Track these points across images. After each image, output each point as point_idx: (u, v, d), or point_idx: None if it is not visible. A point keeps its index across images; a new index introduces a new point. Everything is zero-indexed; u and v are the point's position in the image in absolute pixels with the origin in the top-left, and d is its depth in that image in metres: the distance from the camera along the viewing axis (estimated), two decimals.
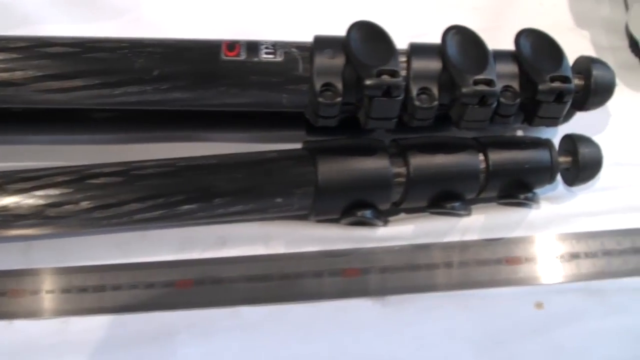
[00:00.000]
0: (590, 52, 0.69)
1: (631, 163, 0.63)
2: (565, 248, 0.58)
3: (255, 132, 0.61)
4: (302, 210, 0.56)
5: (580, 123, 0.62)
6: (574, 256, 0.58)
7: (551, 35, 0.59)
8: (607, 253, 0.59)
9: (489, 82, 0.52)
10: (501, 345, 0.54)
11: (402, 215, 0.60)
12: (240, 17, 0.68)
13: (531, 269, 0.58)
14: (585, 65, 0.56)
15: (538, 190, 0.59)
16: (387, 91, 0.51)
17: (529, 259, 0.58)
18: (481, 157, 0.56)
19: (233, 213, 0.55)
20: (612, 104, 0.63)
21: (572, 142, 0.58)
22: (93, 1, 0.67)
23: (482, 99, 0.52)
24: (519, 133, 0.62)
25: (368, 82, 0.50)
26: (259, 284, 0.57)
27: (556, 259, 0.58)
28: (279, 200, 0.54)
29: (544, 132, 0.61)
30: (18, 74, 0.49)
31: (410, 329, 0.55)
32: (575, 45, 0.64)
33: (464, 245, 0.59)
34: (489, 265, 0.58)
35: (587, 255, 0.59)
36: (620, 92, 0.64)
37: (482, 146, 0.57)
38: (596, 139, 0.62)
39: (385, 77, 0.51)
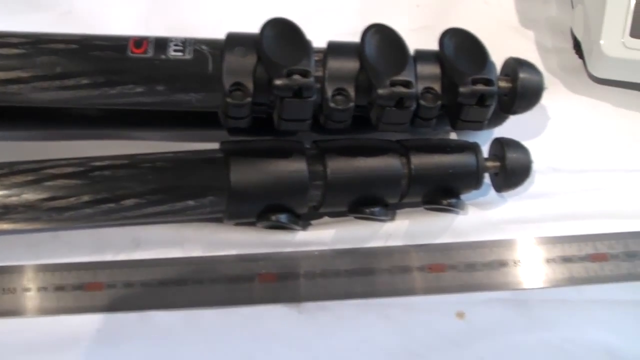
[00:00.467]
0: (534, 53, 0.68)
1: (568, 169, 0.62)
2: (493, 256, 0.57)
3: (177, 130, 0.60)
4: (216, 213, 0.55)
5: (518, 126, 0.61)
6: (502, 264, 0.57)
7: (494, 35, 0.58)
8: (535, 261, 0.58)
9: (407, 84, 0.51)
10: (420, 357, 0.53)
11: (326, 219, 0.59)
12: (174, 11, 0.68)
13: (454, 277, 0.57)
14: (512, 67, 0.55)
15: (469, 196, 0.59)
16: (298, 92, 0.50)
17: (452, 267, 0.57)
18: (403, 160, 0.55)
19: (145, 215, 0.54)
20: (553, 106, 0.64)
21: (500, 146, 0.57)
22: None
23: (400, 101, 0.51)
24: (453, 136, 0.61)
25: (278, 82, 0.49)
26: (172, 288, 0.56)
27: (482, 267, 0.57)
28: (191, 202, 0.53)
29: (478, 136, 0.60)
30: None
31: (325, 338, 0.54)
32: (518, 46, 0.66)
33: (386, 252, 0.58)
34: (411, 273, 0.57)
35: (516, 263, 0.57)
36: (563, 95, 0.65)
37: (404, 149, 0.56)
38: (535, 142, 0.62)
39: (297, 77, 0.50)
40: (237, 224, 0.57)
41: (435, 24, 0.56)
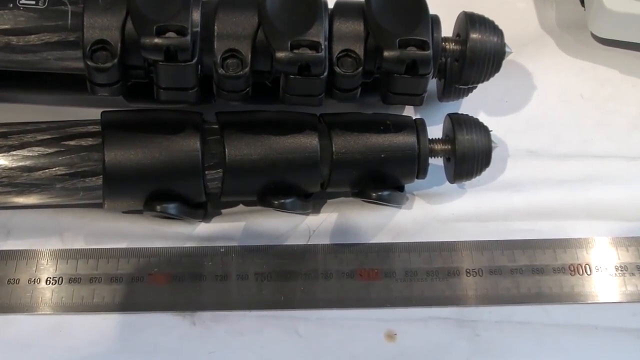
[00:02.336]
0: (527, 3, 0.62)
1: (552, 153, 0.55)
2: (440, 262, 0.51)
3: (63, 94, 0.55)
4: (92, 198, 0.50)
5: (491, 98, 0.56)
6: (450, 273, 0.51)
7: None
8: (495, 271, 0.52)
9: (314, 45, 0.44)
10: None
11: (240, 207, 0.54)
12: None
13: (389, 287, 0.51)
14: (463, 25, 0.48)
15: (417, 185, 0.54)
16: (173, 54, 0.44)
17: (388, 274, 0.51)
18: (324, 140, 0.49)
19: (11, 194, 0.50)
20: (539, 72, 0.58)
21: (451, 124, 0.50)
22: None
23: (305, 67, 0.45)
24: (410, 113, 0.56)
25: (146, 41, 0.43)
26: (44, 287, 0.51)
27: (426, 276, 0.51)
28: (59, 185, 0.48)
29: (439, 110, 0.55)
30: None
31: (218, 357, 0.49)
32: None
33: (307, 252, 0.52)
34: (336, 279, 0.52)
35: (469, 272, 0.51)
36: (554, 57, 0.59)
37: (326, 126, 0.49)
38: (512, 118, 0.57)
39: (171, 36, 0.44)
40: (125, 212, 0.53)
41: None
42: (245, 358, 0.49)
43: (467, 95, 0.53)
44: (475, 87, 0.52)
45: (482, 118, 0.51)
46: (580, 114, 0.57)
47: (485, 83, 0.51)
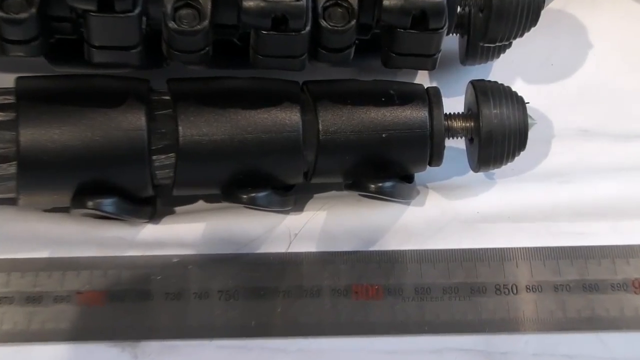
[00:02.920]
0: None
1: (609, 133, 0.58)
2: (462, 276, 0.55)
3: None
4: (1, 192, 0.53)
5: (533, 59, 0.60)
6: (477, 290, 0.55)
7: None
8: (534, 288, 0.55)
9: None
10: None
11: (200, 203, 0.57)
12: None
13: (393, 308, 0.54)
14: None
15: (430, 175, 0.57)
16: (107, 2, 0.47)
17: (394, 290, 0.55)
18: (308, 115, 0.52)
19: None
20: (600, 25, 0.61)
21: (475, 94, 0.53)
22: None
23: (281, 20, 0.48)
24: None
25: None
26: None
27: (442, 294, 0.55)
28: None
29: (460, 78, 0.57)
30: None
31: None
32: None
33: (286, 262, 0.55)
34: (326, 298, 0.55)
35: (499, 290, 0.55)
36: (616, 4, 0.62)
37: (312, 97, 0.52)
38: (556, 88, 0.60)
39: None
40: (48, 211, 0.56)
41: None
42: None
43: (497, 57, 0.56)
44: (508, 45, 0.55)
45: (519, 87, 0.54)
46: None
47: (521, 40, 0.54)
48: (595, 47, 0.59)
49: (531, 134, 0.53)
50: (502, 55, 0.56)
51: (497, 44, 0.53)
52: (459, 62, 0.56)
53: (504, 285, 0.54)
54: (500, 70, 0.57)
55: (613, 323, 0.52)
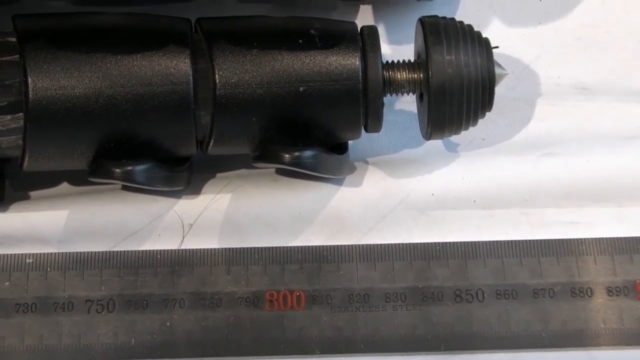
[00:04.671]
0: None
1: (610, 90, 0.57)
2: (408, 279, 0.53)
3: None
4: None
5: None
6: (430, 297, 0.53)
7: None
8: (507, 293, 0.53)
9: None
10: None
11: (64, 186, 0.56)
12: None
13: (318, 322, 0.53)
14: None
15: (364, 145, 0.56)
16: None
17: (319, 298, 0.53)
18: (200, 63, 0.51)
19: None
20: None
21: (423, 33, 0.52)
22: None
23: None
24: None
25: None
26: None
27: (385, 304, 0.53)
28: None
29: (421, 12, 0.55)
30: None
31: None
32: None
33: (177, 262, 0.54)
34: (229, 309, 0.53)
35: (460, 296, 0.53)
36: None
37: (205, 39, 0.51)
38: (541, 31, 0.58)
39: None
40: None
41: None
42: None
43: None
44: None
45: (491, 32, 0.54)
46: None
47: None
48: None
49: (504, 93, 0.53)
50: None
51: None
52: None
53: (466, 290, 0.53)
54: (470, 8, 0.56)
55: (608, 338, 0.52)
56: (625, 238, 0.53)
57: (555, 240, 0.53)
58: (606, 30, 0.58)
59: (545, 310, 0.52)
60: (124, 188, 0.54)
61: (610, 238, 0.53)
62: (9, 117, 0.51)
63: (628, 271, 0.53)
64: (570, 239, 0.53)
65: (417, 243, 0.54)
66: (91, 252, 0.54)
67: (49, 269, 0.54)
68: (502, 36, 0.53)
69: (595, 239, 0.53)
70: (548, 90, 0.56)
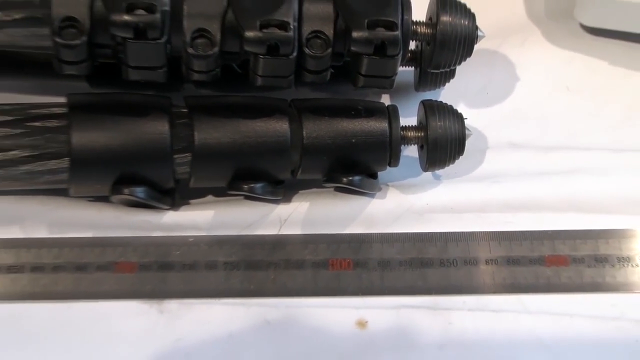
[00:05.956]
0: None
1: (533, 145, 0.64)
2: (414, 252, 0.61)
3: (26, 79, 0.64)
4: (58, 184, 0.58)
5: (472, 88, 0.65)
6: (425, 264, 0.60)
7: None
8: (469, 262, 0.60)
9: (283, 25, 0.53)
10: None
11: (210, 197, 0.62)
12: None
13: (360, 277, 0.59)
14: (434, 7, 0.58)
15: (392, 175, 0.63)
16: (142, 31, 0.53)
17: (361, 264, 0.60)
18: (294, 125, 0.58)
19: None
20: (523, 62, 0.67)
21: (424, 111, 0.59)
22: None
23: (273, 48, 0.54)
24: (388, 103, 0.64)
25: (116, 17, 0.51)
26: (5, 276, 0.59)
27: (399, 266, 0.60)
28: (23, 168, 0.57)
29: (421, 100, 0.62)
30: None
31: (186, 346, 0.57)
32: None
33: (277, 241, 0.61)
34: (307, 269, 0.60)
35: (443, 263, 0.60)
36: (540, 47, 0.68)
37: (297, 111, 0.58)
38: (494, 110, 0.66)
39: (141, 13, 0.52)
40: (89, 200, 0.61)
41: None
42: (212, 346, 0.56)
43: (443, 84, 0.62)
44: (452, 75, 0.61)
45: (462, 110, 0.59)
46: (567, 107, 0.65)
47: (465, 75, 0.61)
48: (523, 80, 0.65)
49: (470, 145, 0.59)
50: (447, 85, 0.62)
51: (441, 69, 0.59)
52: (414, 89, 0.62)
53: (446, 260, 0.59)
54: (446, 96, 0.63)
55: (529, 288, 0.58)
56: (538, 231, 0.61)
57: (497, 231, 0.62)
58: (526, 110, 0.66)
59: (493, 271, 0.60)
60: (246, 197, 0.60)
61: (529, 230, 0.62)
62: (182, 155, 0.57)
63: (541, 250, 0.61)
64: (506, 231, 0.61)
65: (417, 232, 0.61)
66: (226, 235, 0.61)
67: (202, 245, 0.61)
68: (467, 112, 0.59)
69: (521, 231, 0.62)
70: (492, 145, 0.63)
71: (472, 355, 0.56)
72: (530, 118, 0.64)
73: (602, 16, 0.63)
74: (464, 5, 0.57)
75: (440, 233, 0.61)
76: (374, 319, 0.58)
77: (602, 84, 0.65)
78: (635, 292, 0.58)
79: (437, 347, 0.57)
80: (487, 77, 0.64)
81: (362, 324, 0.58)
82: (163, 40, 0.53)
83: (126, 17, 0.51)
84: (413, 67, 0.61)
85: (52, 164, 0.57)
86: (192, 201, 0.62)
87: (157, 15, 0.52)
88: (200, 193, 0.61)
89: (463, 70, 0.61)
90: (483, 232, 0.61)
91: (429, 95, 0.62)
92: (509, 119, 0.64)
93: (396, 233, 0.61)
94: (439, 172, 0.61)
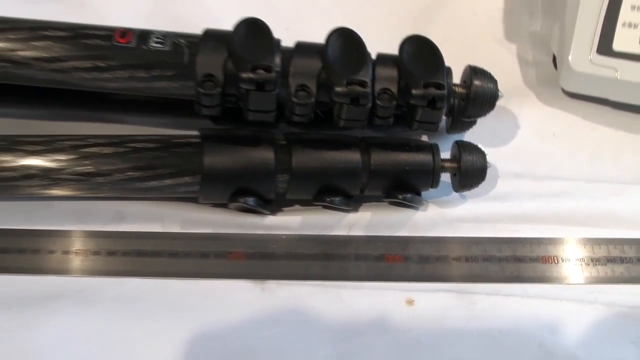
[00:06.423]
0: (514, 64, 0.70)
1: (530, 175, 0.64)
2: (446, 251, 0.60)
3: (161, 117, 0.64)
4: (191, 193, 0.58)
5: (487, 133, 0.65)
6: (455, 259, 0.60)
7: (478, 45, 0.65)
8: (487, 259, 0.60)
9: (363, 83, 0.54)
10: (361, 335, 0.56)
11: (296, 206, 0.62)
12: (177, 7, 0.72)
13: (408, 267, 0.59)
14: (468, 74, 0.58)
15: (430, 194, 0.62)
16: (261, 85, 0.53)
17: (407, 258, 0.60)
18: (364, 155, 0.58)
19: (128, 189, 0.58)
20: (524, 116, 0.66)
21: (457, 148, 0.59)
22: None
23: (355, 99, 0.54)
24: (424, 138, 0.64)
25: (243, 75, 0.52)
26: (149, 259, 0.59)
27: (435, 260, 0.60)
28: (167, 182, 0.57)
29: (449, 140, 0.64)
30: None
31: (281, 314, 0.57)
32: (500, 57, 0.68)
33: (347, 240, 0.60)
34: (369, 261, 0.60)
35: (467, 259, 0.60)
36: (534, 106, 0.67)
37: (366, 145, 0.58)
38: (501, 149, 0.65)
39: (260, 72, 0.53)
40: (213, 205, 0.61)
41: (424, 31, 0.58)
42: (302, 316, 0.57)
43: (468, 130, 0.62)
44: (475, 123, 0.61)
45: (482, 146, 0.60)
46: (553, 148, 0.65)
47: (482, 123, 0.61)
48: (521, 128, 0.65)
49: (488, 172, 0.59)
50: (470, 130, 0.62)
51: (470, 119, 0.60)
52: (446, 132, 0.62)
53: (470, 256, 0.60)
54: (469, 138, 0.62)
55: (530, 279, 0.59)
56: (537, 238, 0.62)
57: (506, 237, 0.62)
58: (526, 149, 0.65)
59: (504, 267, 0.60)
60: (325, 207, 0.59)
61: (530, 237, 0.62)
62: (282, 175, 0.58)
63: (535, 251, 0.61)
64: (512, 237, 0.62)
65: (448, 236, 0.61)
66: (310, 234, 0.61)
67: (292, 240, 0.61)
68: (485, 149, 0.59)
69: (524, 237, 0.62)
70: (502, 174, 0.63)
71: (488, 323, 0.57)
72: (527, 155, 0.64)
73: (578, 85, 0.64)
74: (490, 73, 0.58)
75: (465, 237, 0.61)
76: (418, 298, 0.58)
77: (578, 132, 0.66)
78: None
79: (465, 319, 0.57)
80: (497, 125, 0.64)
81: (410, 302, 0.58)
82: (276, 92, 0.53)
83: (251, 75, 0.53)
84: (446, 117, 0.61)
85: (188, 179, 0.57)
86: (284, 209, 0.61)
87: (273, 74, 0.52)
88: (290, 203, 0.61)
89: (481, 120, 0.61)
90: (496, 237, 0.61)
91: (456, 136, 0.63)
92: (513, 156, 0.63)
93: (433, 236, 0.61)
94: (465, 193, 0.61)
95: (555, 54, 0.67)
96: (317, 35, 0.57)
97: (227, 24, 0.56)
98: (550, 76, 0.68)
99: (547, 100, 0.68)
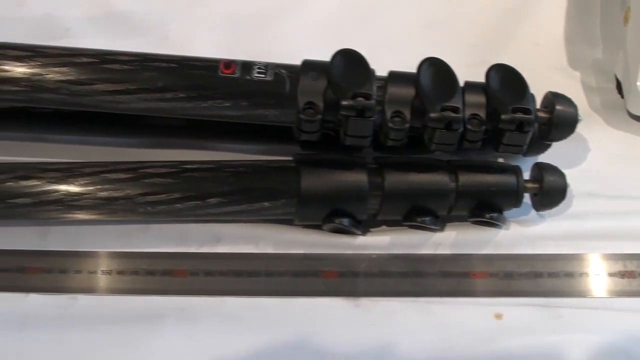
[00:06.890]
0: (579, 91, 0.73)
1: (603, 194, 0.66)
2: (529, 267, 0.62)
3: (257, 143, 0.67)
4: (287, 215, 0.60)
5: (560, 155, 0.66)
6: (537, 275, 0.62)
7: (543, 73, 0.67)
8: (568, 275, 0.63)
9: (455, 109, 0.56)
10: (453, 350, 0.58)
11: (383, 227, 0.64)
12: (255, 39, 0.75)
13: (494, 283, 0.61)
14: (550, 100, 0.61)
15: (511, 213, 0.63)
16: (361, 112, 0.56)
17: (493, 274, 0.62)
18: (452, 177, 0.58)
19: (226, 213, 0.60)
20: (593, 139, 0.69)
21: (539, 170, 0.61)
22: (126, 20, 0.75)
23: (449, 124, 0.56)
24: (500, 160, 0.66)
25: (344, 102, 0.55)
26: (246, 278, 0.62)
27: (519, 276, 0.62)
28: (265, 204, 0.59)
29: (524, 163, 0.66)
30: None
31: (375, 329, 0.59)
32: (565, 84, 0.71)
33: (434, 258, 0.62)
34: (456, 278, 0.62)
35: (550, 275, 0.62)
36: (602, 129, 0.70)
37: (453, 168, 0.60)
38: (574, 170, 0.67)
39: (360, 100, 0.55)
40: (305, 226, 0.63)
41: (489, 61, 0.60)
42: (396, 330, 0.59)
43: (543, 152, 0.64)
44: (550, 146, 0.64)
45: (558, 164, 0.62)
46: (623, 168, 0.68)
47: (553, 147, 0.64)
48: (591, 150, 0.68)
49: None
50: (546, 153, 0.64)
51: (552, 142, 0.62)
52: (522, 155, 0.63)
53: (554, 272, 0.62)
54: (545, 159, 0.64)
55: (619, 293, 0.62)
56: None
57: (582, 254, 0.64)
58: (596, 171, 0.68)
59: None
60: (411, 227, 0.62)
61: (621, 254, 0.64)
62: (375, 196, 0.60)
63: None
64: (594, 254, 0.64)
65: (530, 253, 0.63)
66: (398, 253, 0.64)
67: (381, 259, 0.64)
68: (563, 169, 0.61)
69: (611, 254, 0.64)
70: (577, 193, 0.66)
71: (575, 335, 0.59)
72: (598, 175, 0.66)
73: None
74: (570, 99, 0.61)
75: (544, 254, 0.63)
76: (506, 312, 0.60)
77: None
78: None
79: (552, 332, 0.59)
80: (569, 148, 0.66)
81: (499, 316, 0.60)
82: (374, 118, 0.56)
83: (352, 102, 0.55)
84: None
85: (284, 202, 0.59)
86: (372, 229, 0.63)
87: (373, 101, 0.55)
88: (378, 224, 0.64)
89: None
90: (576, 254, 0.63)
91: (531, 159, 0.65)
92: (585, 176, 0.66)
93: (515, 254, 0.63)
94: (544, 212, 0.62)
95: (621, 80, 0.69)
96: (395, 65, 0.60)
97: (306, 55, 0.59)
98: (615, 101, 0.71)
99: (614, 123, 0.70)
